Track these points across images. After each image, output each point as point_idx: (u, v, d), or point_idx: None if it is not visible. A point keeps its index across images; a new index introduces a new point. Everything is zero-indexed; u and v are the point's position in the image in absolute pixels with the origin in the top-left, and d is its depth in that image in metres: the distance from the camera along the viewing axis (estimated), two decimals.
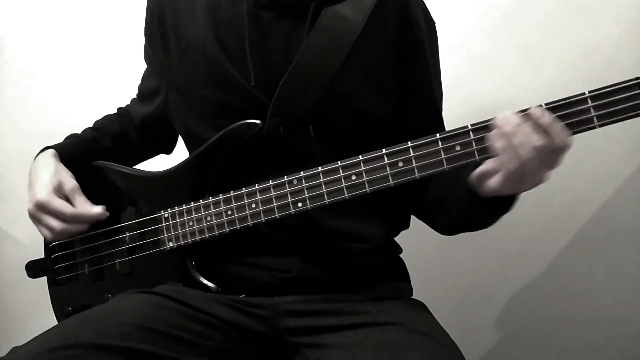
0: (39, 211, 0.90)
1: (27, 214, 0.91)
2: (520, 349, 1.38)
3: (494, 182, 0.71)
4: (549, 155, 0.68)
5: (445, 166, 0.74)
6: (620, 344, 1.31)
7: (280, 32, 0.86)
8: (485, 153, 0.72)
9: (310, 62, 0.84)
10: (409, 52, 0.89)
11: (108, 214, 0.93)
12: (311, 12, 0.85)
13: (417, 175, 0.75)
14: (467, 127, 0.73)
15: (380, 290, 0.88)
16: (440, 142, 0.74)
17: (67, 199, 0.91)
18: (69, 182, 0.92)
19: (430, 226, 0.95)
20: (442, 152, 0.74)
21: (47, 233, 0.91)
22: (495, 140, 0.70)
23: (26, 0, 1.64)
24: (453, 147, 0.74)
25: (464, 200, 0.79)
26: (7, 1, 1.66)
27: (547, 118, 0.68)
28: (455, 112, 1.30)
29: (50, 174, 0.91)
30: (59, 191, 0.91)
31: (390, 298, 0.87)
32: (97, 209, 0.92)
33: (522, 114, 0.69)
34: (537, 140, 0.67)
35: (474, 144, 0.73)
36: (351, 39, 0.85)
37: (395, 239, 0.98)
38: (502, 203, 0.76)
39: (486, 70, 1.33)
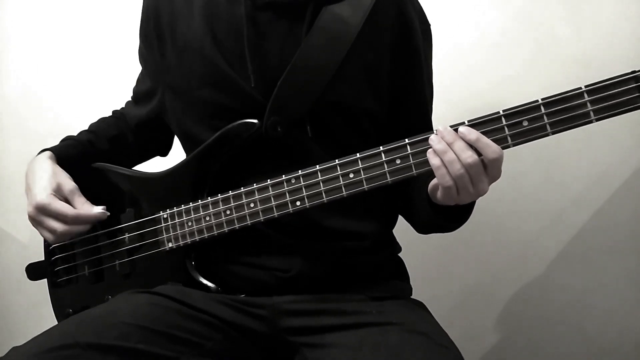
0: (40, 214, 0.89)
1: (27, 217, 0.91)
2: (520, 349, 1.37)
3: (438, 194, 0.75)
4: (484, 169, 0.71)
5: None
6: (619, 344, 1.30)
7: (278, 33, 0.86)
8: None
9: (309, 62, 0.84)
10: (405, 55, 0.89)
11: (109, 213, 0.93)
12: (309, 12, 0.85)
13: (414, 172, 0.76)
14: (463, 123, 0.74)
15: (380, 289, 0.88)
16: None
17: (67, 201, 0.91)
18: (68, 183, 0.92)
19: (409, 223, 0.97)
20: None
21: (49, 235, 0.91)
22: (430, 158, 0.73)
23: (27, 3, 1.65)
24: None
25: (426, 207, 0.82)
26: (9, 3, 1.67)
27: (473, 135, 0.70)
28: (462, 109, 1.31)
29: (49, 176, 0.91)
30: (59, 193, 0.91)
31: (389, 297, 0.87)
32: (98, 209, 0.92)
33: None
34: (468, 157, 0.70)
35: None
36: (349, 40, 0.85)
37: (396, 238, 0.98)
38: (456, 212, 0.80)
39: (496, 66, 1.33)
